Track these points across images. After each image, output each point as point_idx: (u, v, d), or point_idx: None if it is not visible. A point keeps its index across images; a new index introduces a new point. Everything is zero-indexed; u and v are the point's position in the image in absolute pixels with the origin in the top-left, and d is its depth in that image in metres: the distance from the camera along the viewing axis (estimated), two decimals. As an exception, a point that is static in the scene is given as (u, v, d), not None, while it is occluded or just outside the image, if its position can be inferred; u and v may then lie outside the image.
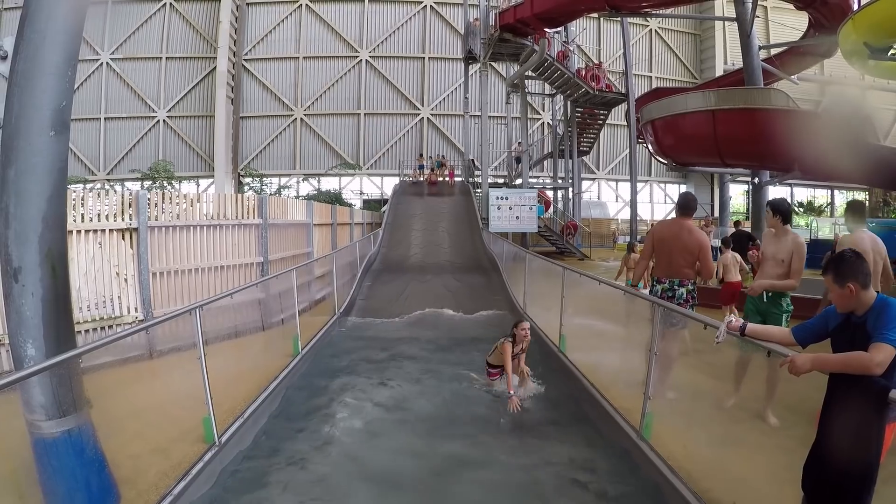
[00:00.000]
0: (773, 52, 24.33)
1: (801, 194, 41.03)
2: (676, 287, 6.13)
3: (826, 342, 3.14)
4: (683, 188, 40.32)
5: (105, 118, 34.72)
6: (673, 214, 6.52)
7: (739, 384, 5.51)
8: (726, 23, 29.89)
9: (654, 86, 35.45)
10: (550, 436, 5.32)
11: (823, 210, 40.48)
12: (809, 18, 21.85)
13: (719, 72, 35.52)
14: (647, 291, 6.73)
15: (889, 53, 15.28)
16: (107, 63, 34.57)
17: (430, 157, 32.61)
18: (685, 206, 6.35)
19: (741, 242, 12.95)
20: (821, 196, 41.69)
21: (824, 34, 20.55)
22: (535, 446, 5.11)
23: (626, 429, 4.99)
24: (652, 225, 28.61)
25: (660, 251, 6.33)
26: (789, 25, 29.93)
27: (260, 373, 6.57)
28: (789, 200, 34.76)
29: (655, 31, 39.21)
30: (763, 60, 20.32)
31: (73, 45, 3.70)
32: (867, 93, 34.11)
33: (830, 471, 2.82)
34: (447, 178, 28.97)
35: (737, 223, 14.52)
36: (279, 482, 4.35)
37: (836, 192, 41.26)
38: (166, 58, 35.04)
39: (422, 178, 29.69)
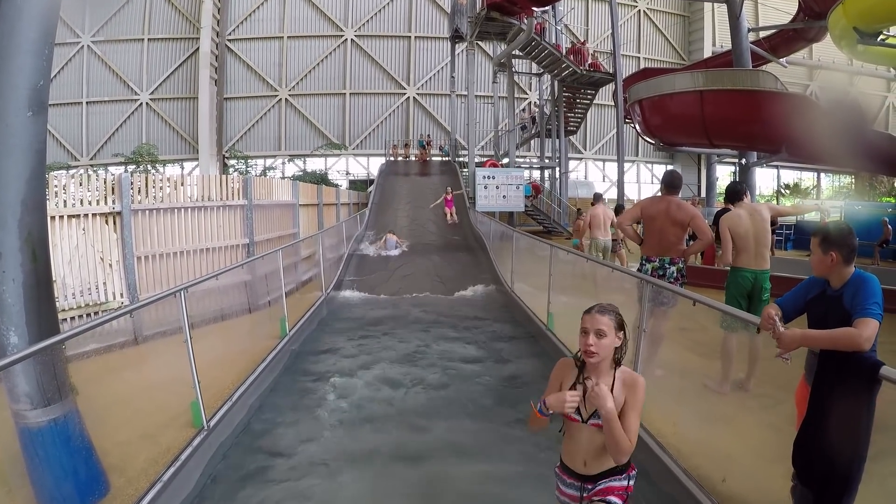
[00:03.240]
0: (762, 34, 24.35)
1: (788, 176, 41.27)
2: (667, 265, 6.16)
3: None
4: (670, 168, 40.34)
5: (87, 102, 34.03)
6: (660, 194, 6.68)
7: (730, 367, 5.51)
8: (715, 4, 29.80)
9: (642, 66, 35.37)
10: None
11: (810, 192, 40.73)
12: (799, 2, 21.82)
13: (708, 54, 35.45)
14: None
15: (878, 38, 15.30)
16: (88, 46, 33.85)
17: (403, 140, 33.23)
18: (671, 183, 6.36)
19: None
20: (807, 178, 41.91)
21: (814, 18, 20.55)
22: (523, 426, 5.12)
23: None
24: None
25: (649, 229, 6.31)
26: (779, 8, 29.95)
27: (247, 355, 6.55)
28: (776, 182, 35.08)
29: (644, 11, 38.97)
30: (752, 43, 20.31)
31: (50, 23, 3.61)
32: (858, 79, 34.24)
33: (822, 447, 2.84)
34: (446, 210, 20.57)
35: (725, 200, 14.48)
36: (268, 465, 4.33)
37: (822, 174, 41.48)
38: (148, 39, 34.33)
39: (412, 158, 30.50)
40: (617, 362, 2.62)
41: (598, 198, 12.12)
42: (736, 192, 6.17)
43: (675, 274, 6.14)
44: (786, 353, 3.03)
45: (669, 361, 5.89)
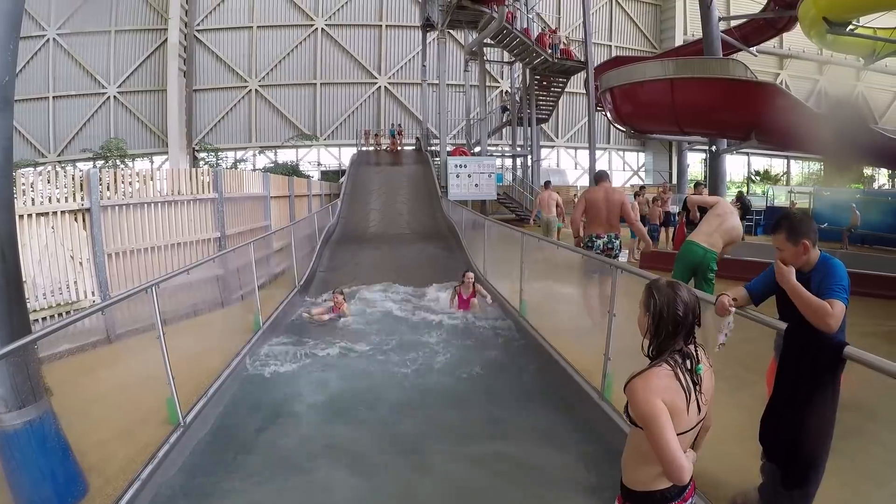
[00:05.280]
0: (733, 24, 24.61)
1: (758, 163, 41.79)
2: (614, 240, 7.31)
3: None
4: (642, 156, 40.81)
5: (53, 97, 33.18)
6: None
7: None
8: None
9: (613, 55, 35.53)
10: (514, 399, 5.42)
11: (779, 179, 41.31)
12: (770, -8, 22.09)
13: (679, 42, 35.71)
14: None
15: (847, 28, 15.59)
16: (53, 39, 32.97)
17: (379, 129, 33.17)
18: (598, 177, 7.69)
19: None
20: (777, 165, 42.49)
21: (784, 8, 20.82)
22: (498, 410, 5.21)
23: (587, 390, 5.13)
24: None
25: (595, 213, 7.32)
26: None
27: (222, 350, 6.56)
28: (746, 169, 35.73)
29: (616, 0, 39.14)
30: (722, 32, 20.52)
31: (14, 17, 3.56)
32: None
33: (787, 424, 2.91)
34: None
35: (697, 185, 14.46)
36: (246, 460, 4.35)
37: (791, 160, 42.07)
38: (115, 31, 33.54)
39: (383, 147, 30.50)
40: (650, 356, 2.12)
41: (547, 184, 15.31)
42: (744, 204, 6.60)
43: (620, 246, 7.41)
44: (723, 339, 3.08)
45: (636, 340, 5.99)
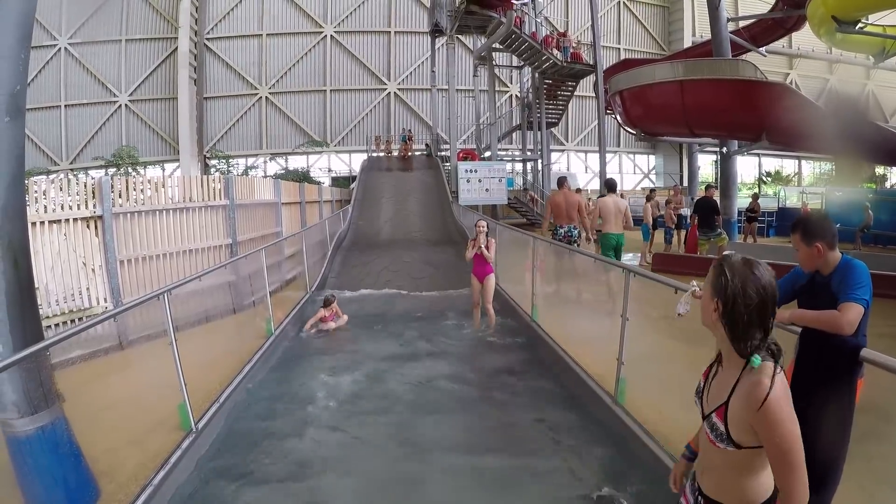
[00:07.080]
0: (742, 24, 24.50)
1: (769, 164, 41.56)
2: (572, 230, 9.81)
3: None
4: (652, 158, 40.64)
5: (65, 105, 33.45)
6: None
7: None
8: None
9: (622, 58, 35.43)
10: (526, 404, 5.38)
11: (791, 179, 41.05)
12: (779, -9, 21.98)
13: (688, 44, 35.59)
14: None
15: (856, 27, 15.48)
16: (65, 48, 33.29)
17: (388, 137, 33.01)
18: (560, 182, 10.38)
19: (705, 212, 12.76)
20: (788, 165, 42.24)
21: (793, 7, 20.71)
22: (510, 415, 5.18)
23: (600, 395, 5.09)
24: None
25: (559, 210, 9.90)
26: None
27: (234, 356, 6.55)
28: (757, 170, 35.75)
29: (623, 2, 38.97)
30: (731, 33, 20.40)
31: (25, 27, 3.57)
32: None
33: (803, 428, 2.86)
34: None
35: (708, 187, 14.17)
36: (258, 466, 4.33)
37: (803, 161, 41.81)
38: (126, 40, 33.83)
39: (393, 153, 30.44)
40: (742, 354, 1.75)
41: (608, 186, 15.81)
42: (612, 186, 9.68)
43: (578, 234, 9.94)
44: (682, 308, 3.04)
45: (653, 348, 5.96)
